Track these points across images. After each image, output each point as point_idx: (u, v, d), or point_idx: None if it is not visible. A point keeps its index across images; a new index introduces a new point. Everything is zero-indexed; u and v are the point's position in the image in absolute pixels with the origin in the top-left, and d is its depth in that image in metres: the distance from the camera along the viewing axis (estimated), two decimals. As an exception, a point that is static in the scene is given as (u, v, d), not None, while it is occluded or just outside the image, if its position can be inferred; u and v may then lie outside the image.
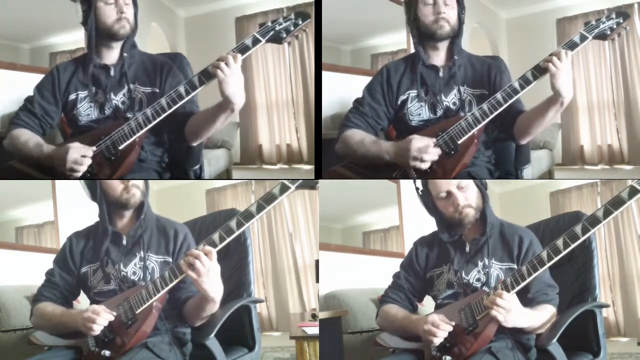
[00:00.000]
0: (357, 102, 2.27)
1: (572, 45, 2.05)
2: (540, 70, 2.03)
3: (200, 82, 2.03)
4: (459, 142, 2.06)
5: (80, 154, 2.00)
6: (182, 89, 2.03)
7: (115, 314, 1.88)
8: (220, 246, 1.81)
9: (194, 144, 2.19)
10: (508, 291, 1.82)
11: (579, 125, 4.77)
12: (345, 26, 3.43)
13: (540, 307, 1.91)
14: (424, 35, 2.17)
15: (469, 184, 2.00)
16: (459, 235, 2.03)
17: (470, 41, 4.29)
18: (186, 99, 2.03)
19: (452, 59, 2.18)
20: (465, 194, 1.98)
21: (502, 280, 1.87)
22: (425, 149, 2.03)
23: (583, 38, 2.08)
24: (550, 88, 2.01)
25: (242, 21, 4.57)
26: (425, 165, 2.04)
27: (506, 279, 1.85)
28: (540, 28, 4.74)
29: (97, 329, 1.85)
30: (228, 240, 1.83)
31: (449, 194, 1.98)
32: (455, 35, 2.17)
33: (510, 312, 1.78)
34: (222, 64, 1.95)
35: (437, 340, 1.85)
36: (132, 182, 2.02)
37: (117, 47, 2.17)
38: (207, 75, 2.02)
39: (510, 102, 2.04)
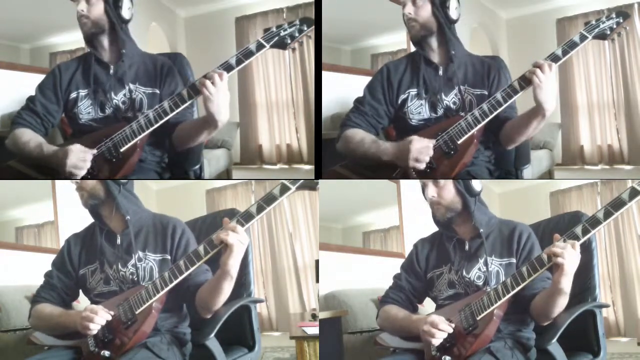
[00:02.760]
0: (358, 101, 2.27)
1: (571, 45, 2.05)
2: (526, 81, 2.02)
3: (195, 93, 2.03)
4: (459, 142, 2.06)
5: (79, 159, 2.00)
6: (185, 92, 2.03)
7: (113, 313, 1.88)
8: (219, 247, 1.81)
9: (180, 150, 2.20)
10: (508, 291, 1.82)
11: (579, 125, 4.77)
12: (345, 26, 3.43)
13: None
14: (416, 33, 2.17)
15: (447, 184, 2.01)
16: (456, 237, 2.04)
17: (470, 41, 4.29)
18: (188, 102, 2.03)
19: (449, 55, 2.18)
20: (439, 191, 2.00)
21: (557, 237, 1.79)
22: (426, 150, 2.03)
23: (583, 38, 2.08)
24: (533, 99, 2.00)
25: (242, 21, 4.57)
26: (422, 166, 2.04)
27: (509, 276, 1.86)
28: (540, 28, 4.74)
29: (95, 328, 1.84)
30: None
31: (425, 185, 2.02)
32: (431, 33, 2.15)
33: (575, 262, 1.75)
34: (208, 82, 1.95)
35: (436, 341, 1.85)
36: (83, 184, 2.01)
37: (105, 44, 2.16)
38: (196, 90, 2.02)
39: (510, 101, 2.04)
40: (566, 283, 1.76)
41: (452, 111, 2.17)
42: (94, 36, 2.14)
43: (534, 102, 2.01)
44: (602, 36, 2.09)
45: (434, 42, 2.18)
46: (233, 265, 1.79)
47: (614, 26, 2.09)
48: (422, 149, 2.03)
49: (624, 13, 2.11)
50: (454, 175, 2.06)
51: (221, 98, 1.97)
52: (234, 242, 1.76)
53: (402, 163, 2.06)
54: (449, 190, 2.00)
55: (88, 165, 2.01)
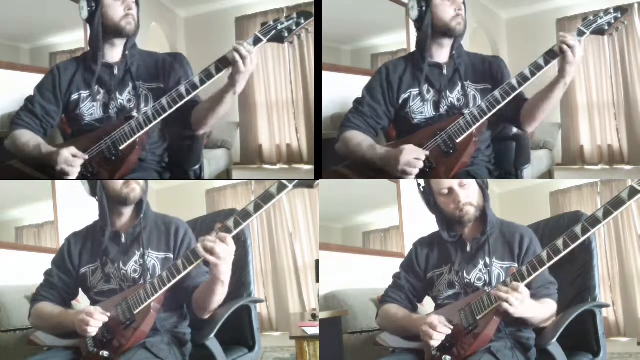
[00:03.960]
0: (357, 102, 2.27)
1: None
2: (552, 54, 2.00)
3: (201, 82, 2.03)
4: (458, 140, 2.06)
5: (67, 162, 1.99)
6: (182, 88, 2.03)
7: (109, 314, 1.87)
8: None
9: (200, 133, 2.19)
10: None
11: (579, 125, 4.78)
12: (345, 26, 3.43)
13: (542, 301, 1.91)
14: (438, 31, 2.16)
15: (471, 182, 2.00)
16: (460, 235, 2.03)
17: (470, 41, 4.29)
18: (187, 98, 2.03)
19: (452, 55, 2.18)
20: (466, 192, 1.97)
21: (512, 271, 1.84)
22: (415, 163, 2.03)
23: (581, 33, 2.06)
24: (558, 67, 1.99)
25: (242, 21, 4.57)
26: (411, 176, 2.03)
27: (506, 278, 1.85)
28: (540, 28, 4.74)
29: (92, 330, 1.84)
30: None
31: (451, 190, 1.97)
32: (462, 34, 2.18)
33: (524, 303, 1.77)
34: (241, 48, 1.96)
35: (435, 343, 1.84)
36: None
37: (120, 45, 2.17)
38: (208, 74, 2.02)
39: (507, 100, 2.04)
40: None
41: (456, 108, 2.16)
42: (118, 36, 2.13)
43: (558, 72, 2.00)
44: (600, 31, 2.08)
45: (448, 40, 2.18)
46: (222, 272, 1.80)
47: (612, 21, 2.08)
48: (410, 161, 2.03)
49: (621, 8, 2.10)
50: (453, 175, 2.05)
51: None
52: (211, 258, 1.76)
53: (391, 171, 2.06)
54: (474, 189, 1.99)
55: (80, 161, 2.00)
